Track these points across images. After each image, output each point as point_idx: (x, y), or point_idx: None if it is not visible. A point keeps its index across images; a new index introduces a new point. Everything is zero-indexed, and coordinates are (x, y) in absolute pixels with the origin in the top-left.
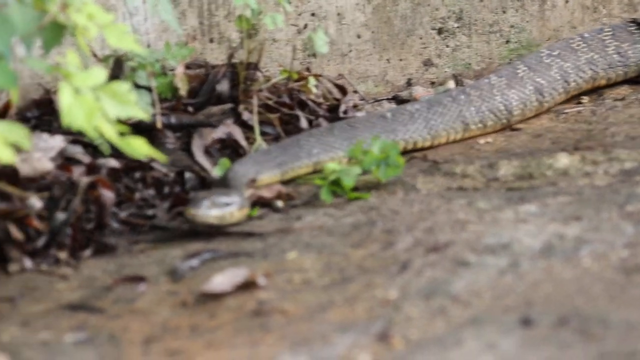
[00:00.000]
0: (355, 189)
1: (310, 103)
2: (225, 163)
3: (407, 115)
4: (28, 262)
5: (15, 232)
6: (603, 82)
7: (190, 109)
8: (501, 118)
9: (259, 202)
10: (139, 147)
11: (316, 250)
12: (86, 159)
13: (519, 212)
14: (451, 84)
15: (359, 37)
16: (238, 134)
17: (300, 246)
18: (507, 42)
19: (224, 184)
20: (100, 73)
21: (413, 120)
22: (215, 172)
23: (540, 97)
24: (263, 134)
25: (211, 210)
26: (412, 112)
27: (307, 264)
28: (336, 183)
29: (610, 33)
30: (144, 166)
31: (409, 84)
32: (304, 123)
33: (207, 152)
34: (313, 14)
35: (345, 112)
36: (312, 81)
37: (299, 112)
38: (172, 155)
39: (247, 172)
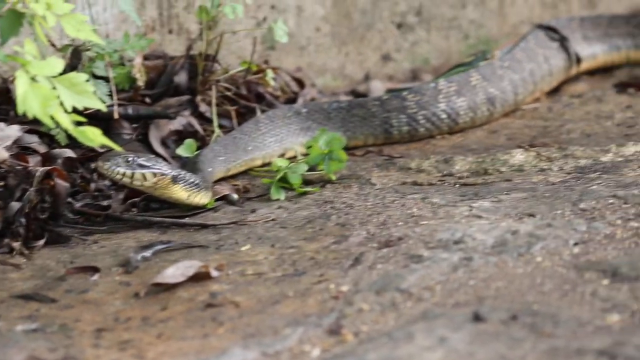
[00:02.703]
0: (310, 182)
1: (267, 96)
2: (190, 143)
3: None
4: None
5: None
6: None
7: (147, 100)
8: None
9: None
10: (93, 136)
11: (269, 243)
12: (42, 148)
13: (473, 207)
14: None
15: (318, 30)
16: (195, 126)
17: (254, 239)
18: (466, 37)
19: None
20: (57, 62)
21: None
22: (180, 151)
23: None
24: (220, 126)
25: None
26: None
27: (260, 256)
28: (284, 179)
29: None
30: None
31: (367, 78)
32: None
33: (164, 143)
34: (273, 7)
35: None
36: (270, 74)
37: (255, 105)
38: (128, 145)
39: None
